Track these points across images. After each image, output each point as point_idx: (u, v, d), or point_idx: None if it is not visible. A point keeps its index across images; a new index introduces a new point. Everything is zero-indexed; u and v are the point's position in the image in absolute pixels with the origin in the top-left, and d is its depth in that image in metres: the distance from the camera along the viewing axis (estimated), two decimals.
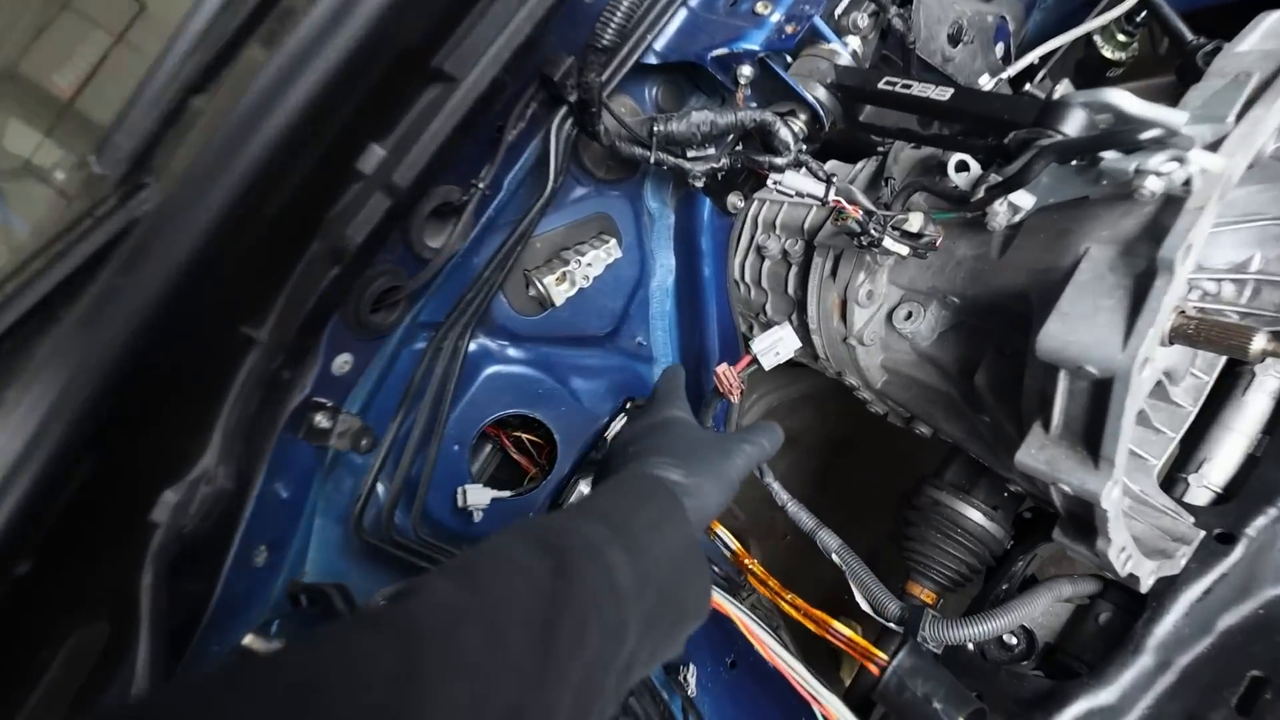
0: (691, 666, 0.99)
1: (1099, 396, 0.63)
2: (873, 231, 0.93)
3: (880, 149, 1.15)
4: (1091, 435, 0.66)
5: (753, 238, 1.28)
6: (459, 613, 0.40)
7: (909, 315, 1.15)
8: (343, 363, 0.76)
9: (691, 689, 0.96)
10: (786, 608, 0.95)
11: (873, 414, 2.11)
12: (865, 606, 1.12)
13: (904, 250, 0.93)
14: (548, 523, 0.50)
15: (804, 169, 0.92)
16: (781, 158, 0.88)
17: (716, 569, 1.12)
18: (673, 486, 0.58)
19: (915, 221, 0.83)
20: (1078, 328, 0.62)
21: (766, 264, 1.47)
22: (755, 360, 0.98)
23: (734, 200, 1.03)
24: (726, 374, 0.95)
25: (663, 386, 0.84)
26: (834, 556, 1.19)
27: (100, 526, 0.61)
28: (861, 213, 0.85)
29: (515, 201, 0.92)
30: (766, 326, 1.56)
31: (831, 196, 0.94)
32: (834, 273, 1.25)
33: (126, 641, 0.68)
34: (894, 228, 0.94)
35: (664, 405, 0.79)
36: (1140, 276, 0.61)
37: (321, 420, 0.76)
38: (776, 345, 0.97)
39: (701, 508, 0.60)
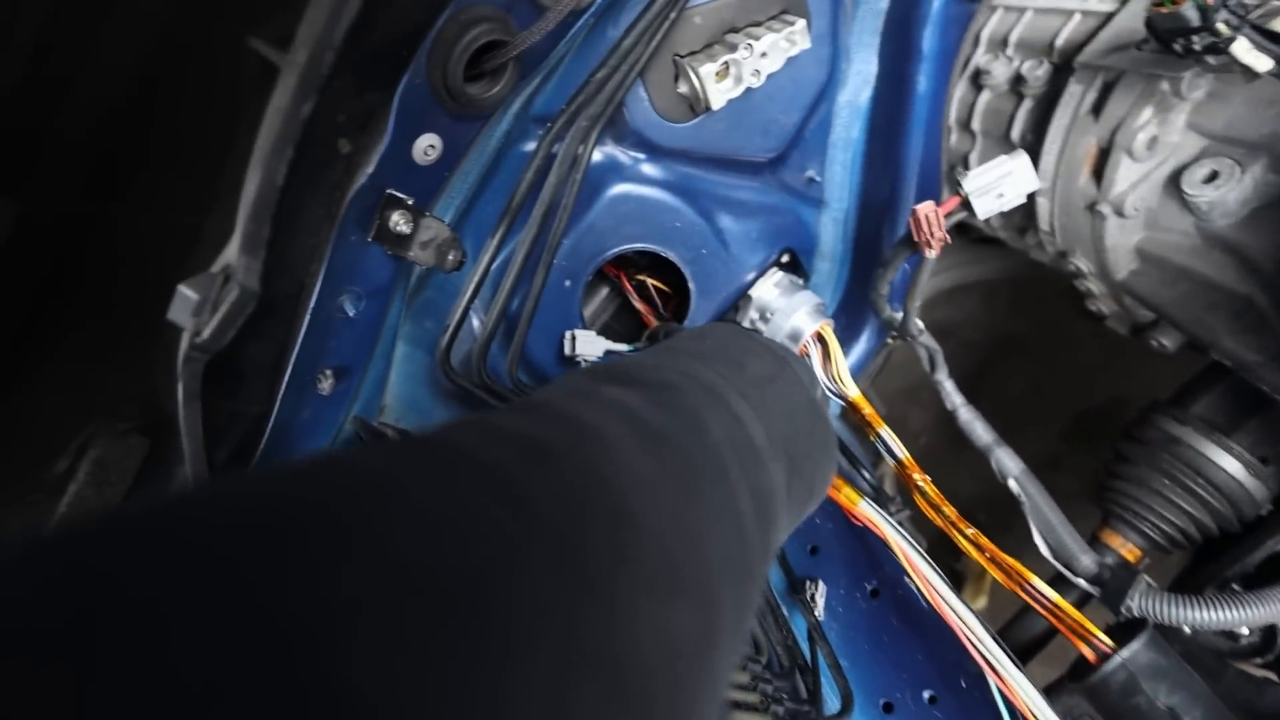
0: (821, 584, 0.81)
1: None
2: (1221, 26, 0.60)
3: None
4: None
5: (967, 60, 0.94)
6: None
7: (1212, 177, 0.80)
8: (427, 146, 0.57)
9: (820, 611, 0.79)
10: (965, 545, 0.73)
11: (1051, 311, 1.75)
12: (1046, 553, 0.88)
13: (1264, 64, 0.61)
14: (646, 361, 0.40)
15: None
16: None
17: (866, 474, 0.91)
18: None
19: None
20: None
21: (984, 96, 1.10)
22: (966, 202, 0.70)
23: None
24: (930, 216, 0.69)
25: None
26: (1011, 484, 0.95)
27: (105, 317, 0.47)
28: None
29: None
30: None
31: None
32: (1097, 108, 0.90)
33: (167, 457, 0.57)
34: (1255, 27, 0.61)
35: None
36: None
37: (398, 221, 0.58)
38: (1001, 182, 0.68)
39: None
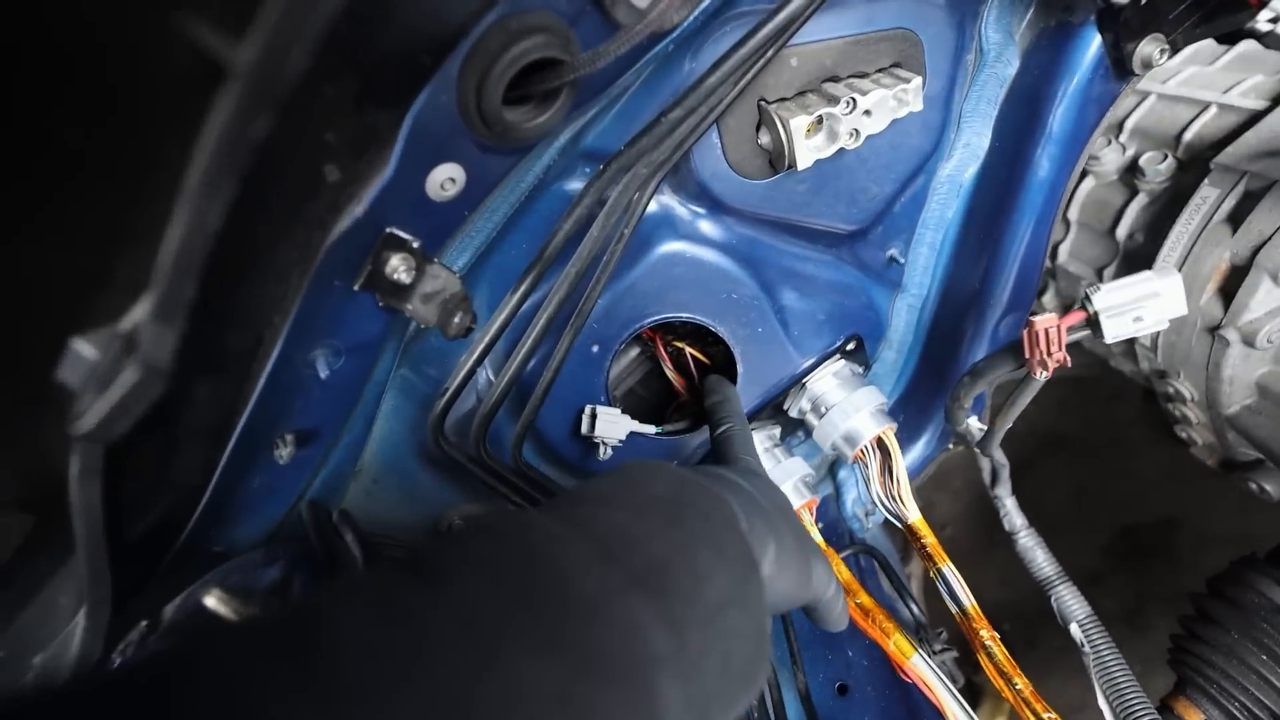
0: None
1: None
2: None
3: None
4: None
5: None
6: None
7: None
8: (446, 179, 0.44)
9: None
10: None
11: (1106, 412, 1.62)
12: (1110, 718, 0.74)
13: None
14: (570, 568, 0.29)
15: None
16: None
17: (913, 607, 0.77)
18: (754, 543, 0.39)
19: None
20: None
21: (1088, 183, 0.98)
22: (1093, 321, 0.57)
23: (1149, 51, 0.58)
24: (1050, 333, 0.56)
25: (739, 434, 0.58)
26: (1074, 629, 0.81)
27: None
28: None
29: None
30: (1044, 277, 1.10)
31: None
32: (1235, 219, 0.77)
33: (59, 537, 0.44)
34: None
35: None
36: None
37: (398, 267, 0.45)
38: (1141, 304, 0.55)
39: (773, 589, 0.41)
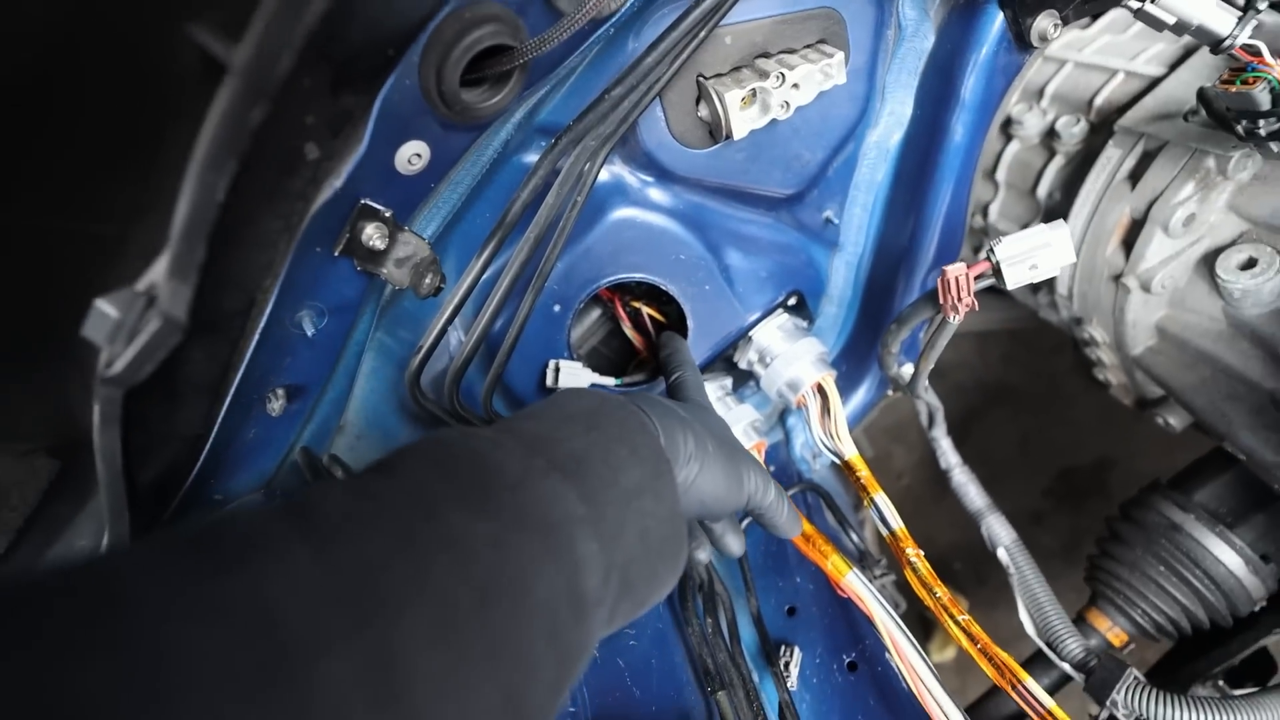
0: (797, 652, 0.76)
1: None
2: None
3: None
4: None
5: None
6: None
7: (1249, 264, 0.76)
8: (412, 155, 0.50)
9: (792, 681, 0.73)
10: (957, 633, 0.68)
11: (1046, 364, 1.71)
12: (1031, 631, 0.84)
13: None
14: (502, 460, 0.37)
15: None
16: None
17: (854, 536, 0.86)
18: (669, 447, 0.47)
19: None
20: None
21: (1013, 147, 1.06)
22: (996, 269, 0.64)
23: (1044, 25, 0.65)
24: (960, 280, 0.63)
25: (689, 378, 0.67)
26: (1001, 553, 0.91)
27: (7, 332, 0.40)
28: None
29: None
30: (979, 235, 1.18)
31: (1244, 36, 0.54)
32: (1134, 176, 0.86)
33: (81, 480, 0.50)
34: None
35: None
36: None
37: (372, 235, 0.51)
38: (1036, 253, 0.63)
39: (697, 488, 0.48)
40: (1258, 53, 0.55)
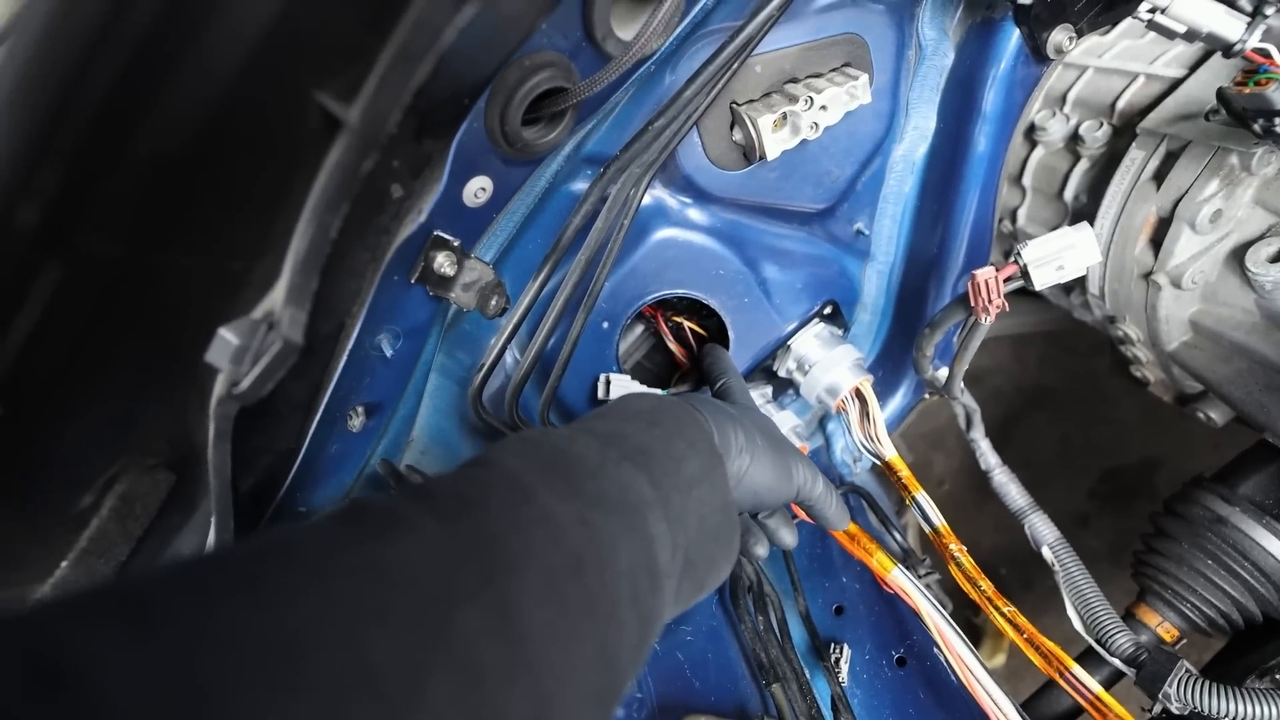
0: (846, 649, 0.78)
1: None
2: None
3: None
4: None
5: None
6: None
7: (1278, 257, 0.77)
8: (478, 189, 0.55)
9: (843, 676, 0.76)
10: (1002, 624, 0.70)
11: (1085, 365, 1.70)
12: (1080, 628, 0.85)
13: None
14: (581, 452, 0.42)
15: None
16: None
17: (896, 536, 0.88)
18: (721, 442, 0.51)
19: None
20: None
21: (1038, 153, 1.08)
22: (1024, 272, 0.67)
23: (1060, 39, 0.68)
24: (990, 283, 0.66)
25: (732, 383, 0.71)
26: (1046, 552, 0.92)
27: (145, 357, 0.45)
28: None
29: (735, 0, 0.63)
30: (1008, 240, 1.20)
31: (1254, 40, 0.57)
32: (1159, 176, 0.88)
33: (192, 491, 0.55)
34: None
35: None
36: None
37: (443, 263, 0.56)
38: (1062, 254, 0.65)
39: (749, 478, 0.53)
40: (1269, 55, 0.58)
